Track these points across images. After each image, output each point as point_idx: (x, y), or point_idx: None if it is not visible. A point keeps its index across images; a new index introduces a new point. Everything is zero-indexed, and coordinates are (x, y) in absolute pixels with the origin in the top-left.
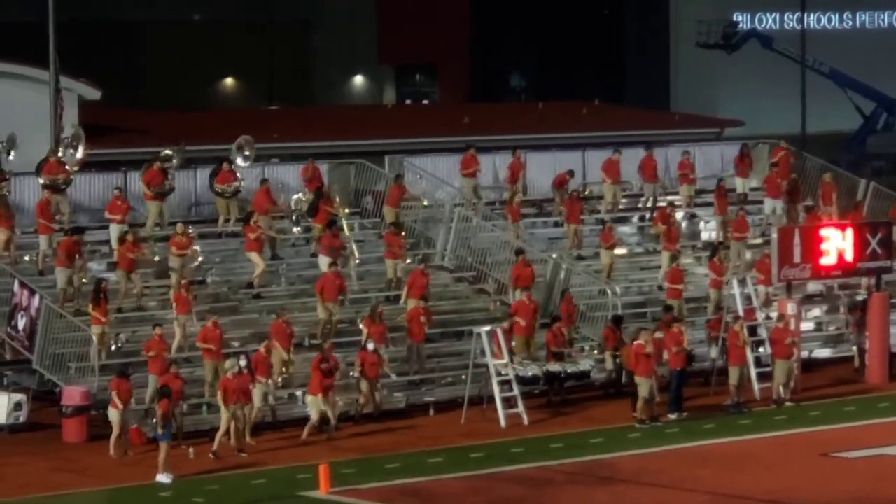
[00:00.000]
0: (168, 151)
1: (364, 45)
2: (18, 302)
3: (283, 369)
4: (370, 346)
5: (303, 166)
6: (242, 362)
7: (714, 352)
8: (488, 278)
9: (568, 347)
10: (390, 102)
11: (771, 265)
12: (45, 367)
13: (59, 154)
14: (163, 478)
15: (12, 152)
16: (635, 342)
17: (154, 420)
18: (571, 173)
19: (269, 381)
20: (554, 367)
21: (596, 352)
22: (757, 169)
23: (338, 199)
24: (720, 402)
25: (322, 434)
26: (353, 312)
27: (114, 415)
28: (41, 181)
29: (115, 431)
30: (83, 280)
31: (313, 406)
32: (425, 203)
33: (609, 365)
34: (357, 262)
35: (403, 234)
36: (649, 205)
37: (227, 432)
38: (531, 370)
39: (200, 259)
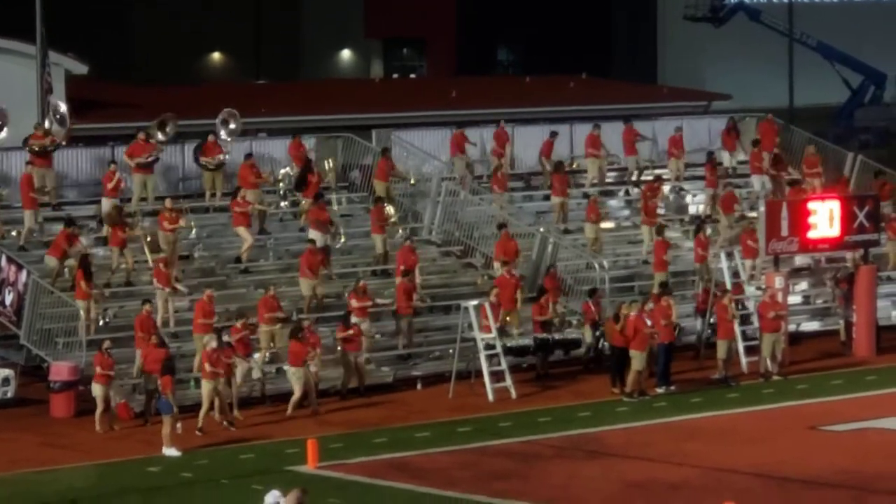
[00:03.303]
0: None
1: (351, 19)
2: (6, 277)
3: (271, 343)
4: (354, 320)
5: (290, 142)
6: (226, 337)
7: (700, 325)
8: (476, 252)
9: (556, 319)
10: (378, 76)
11: (755, 239)
12: (32, 342)
13: (45, 125)
14: (171, 451)
15: (4, 129)
16: (632, 315)
17: (155, 396)
18: (554, 134)
19: (256, 357)
20: (543, 335)
21: (585, 325)
22: (744, 143)
23: (330, 165)
24: (708, 376)
25: (307, 409)
26: (340, 287)
27: (97, 390)
28: (29, 148)
29: (100, 406)
30: (64, 266)
31: (294, 378)
32: (413, 181)
33: (589, 338)
34: (342, 241)
35: (388, 206)
36: (633, 178)
37: (211, 407)
38: (522, 340)
39: (193, 233)
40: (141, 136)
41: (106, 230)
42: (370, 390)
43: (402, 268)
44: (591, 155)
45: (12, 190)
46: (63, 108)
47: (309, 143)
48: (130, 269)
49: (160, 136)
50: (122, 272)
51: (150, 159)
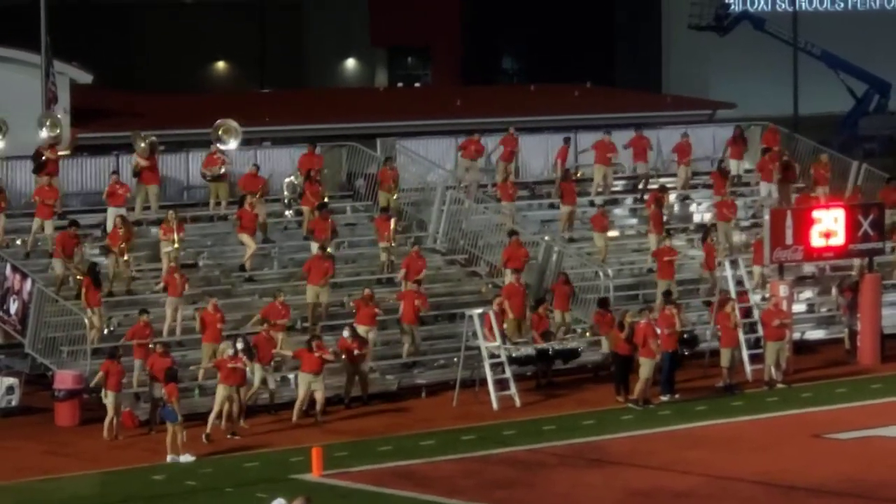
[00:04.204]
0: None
1: (356, 28)
2: (10, 286)
3: (278, 350)
4: (345, 334)
5: (304, 152)
6: (239, 345)
7: (709, 333)
8: (480, 261)
9: (561, 328)
10: (382, 85)
11: (763, 247)
12: (37, 350)
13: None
14: (185, 457)
15: (1, 140)
16: (642, 322)
17: (160, 403)
18: (567, 140)
19: (270, 365)
20: (542, 346)
21: (588, 334)
22: (751, 151)
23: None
24: (712, 384)
25: (311, 417)
26: (344, 295)
27: (110, 398)
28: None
29: (110, 414)
30: (76, 274)
31: (302, 383)
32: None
33: (605, 348)
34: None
35: (394, 217)
36: (641, 186)
37: (220, 415)
38: (524, 350)
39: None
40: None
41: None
42: (374, 398)
43: (404, 271)
44: (599, 162)
45: (12, 196)
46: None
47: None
48: (131, 278)
49: (220, 145)
50: (125, 280)
51: (143, 165)
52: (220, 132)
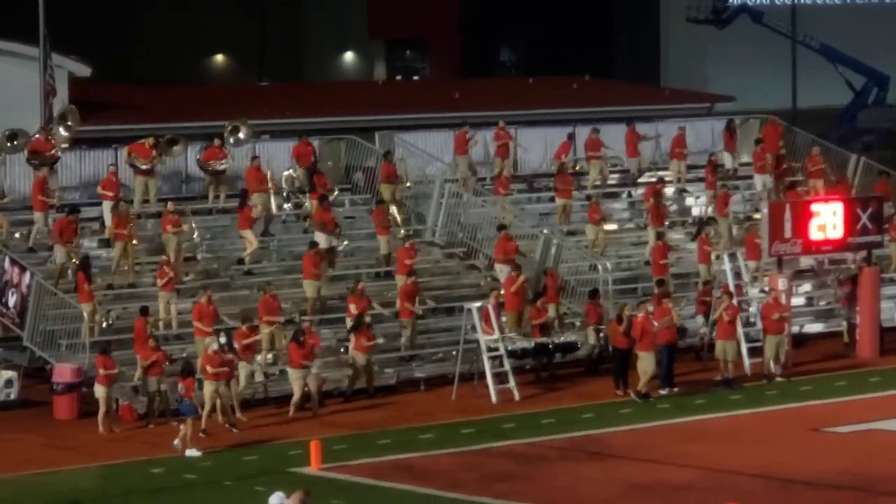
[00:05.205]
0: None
1: (354, 21)
2: (9, 279)
3: (272, 345)
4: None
5: (296, 144)
6: (223, 339)
7: (703, 326)
8: (479, 254)
9: (557, 322)
10: (381, 78)
11: (758, 240)
12: (36, 343)
13: (49, 129)
14: (192, 452)
15: (16, 142)
16: (639, 316)
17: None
18: (571, 136)
19: (258, 359)
20: (542, 339)
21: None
22: (746, 144)
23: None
24: (711, 378)
25: (309, 410)
26: (343, 289)
27: (100, 391)
28: (30, 160)
29: (102, 408)
30: (73, 260)
31: (294, 380)
32: (408, 184)
33: (591, 340)
34: (345, 243)
35: (392, 209)
36: (636, 181)
37: (214, 409)
38: (521, 343)
39: (196, 235)
40: (149, 141)
41: (109, 231)
42: (373, 391)
43: (406, 262)
44: (591, 157)
45: (12, 191)
46: (71, 129)
47: (313, 145)
48: (132, 270)
49: (232, 141)
50: (125, 273)
51: (144, 167)
52: (231, 127)
